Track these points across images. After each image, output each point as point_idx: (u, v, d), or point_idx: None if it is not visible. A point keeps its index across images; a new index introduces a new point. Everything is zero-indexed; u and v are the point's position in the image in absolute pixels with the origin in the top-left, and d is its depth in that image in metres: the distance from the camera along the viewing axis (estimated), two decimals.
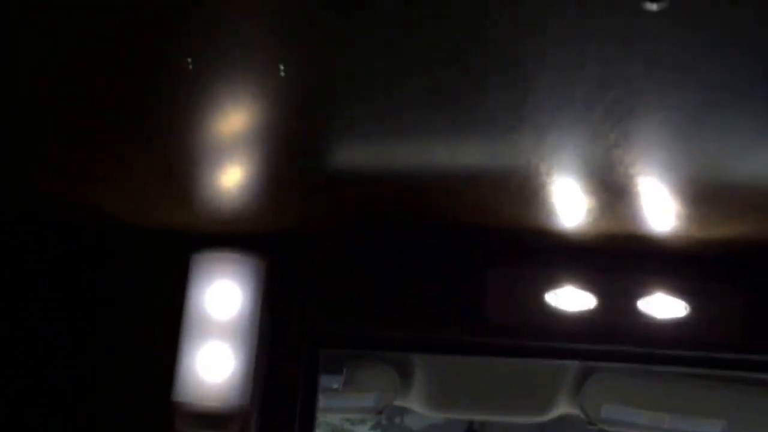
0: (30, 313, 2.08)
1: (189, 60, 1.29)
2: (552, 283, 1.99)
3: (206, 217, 1.94)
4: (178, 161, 1.65)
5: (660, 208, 1.71)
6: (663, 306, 1.95)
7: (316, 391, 2.06)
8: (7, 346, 2.03)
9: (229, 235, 1.98)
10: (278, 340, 2.01)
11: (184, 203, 1.87)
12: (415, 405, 2.92)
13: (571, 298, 1.98)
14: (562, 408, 2.83)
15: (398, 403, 2.85)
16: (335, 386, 2.26)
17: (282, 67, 1.31)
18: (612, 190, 1.63)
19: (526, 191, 1.66)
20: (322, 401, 2.25)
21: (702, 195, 1.63)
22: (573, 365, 2.56)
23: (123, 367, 2.03)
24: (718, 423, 2.61)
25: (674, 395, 2.56)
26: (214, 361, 1.91)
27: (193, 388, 1.90)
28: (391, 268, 2.06)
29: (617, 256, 1.96)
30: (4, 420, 1.75)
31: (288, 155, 1.64)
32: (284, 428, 1.98)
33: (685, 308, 1.95)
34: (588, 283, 1.97)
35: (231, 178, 1.75)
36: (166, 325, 1.99)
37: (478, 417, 2.99)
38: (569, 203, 1.73)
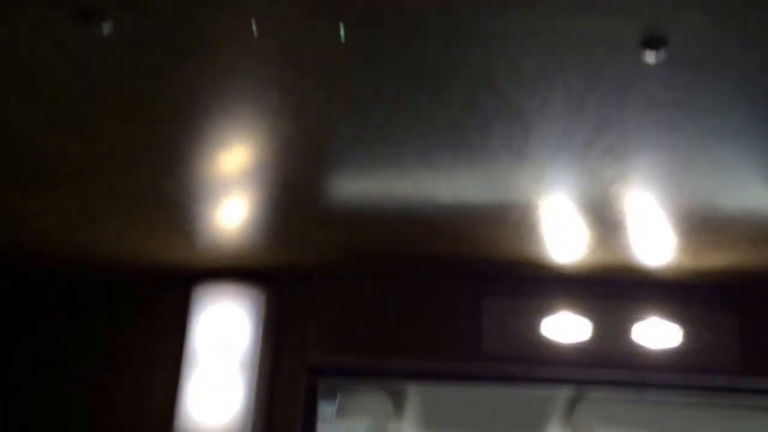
0: (29, 352, 2.10)
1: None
2: (547, 312, 2.02)
3: (207, 251, 1.96)
4: (179, 197, 1.68)
5: (653, 240, 1.75)
6: (657, 334, 1.98)
7: (315, 418, 2.09)
8: (5, 392, 2.05)
9: (229, 268, 2.01)
10: (278, 371, 2.03)
11: (184, 238, 1.89)
12: (408, 429, 2.93)
13: (566, 327, 2.01)
14: (554, 430, 2.85)
15: (392, 427, 2.86)
16: (329, 413, 2.27)
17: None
18: (607, 224, 1.67)
19: (524, 225, 1.70)
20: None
21: (694, 227, 1.67)
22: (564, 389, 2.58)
23: (126, 401, 2.04)
24: None
25: (664, 419, 2.57)
26: (215, 394, 1.93)
27: (196, 424, 1.91)
28: (390, 300, 2.09)
29: (612, 286, 2.00)
30: None
31: (288, 191, 1.66)
32: None
33: (679, 335, 1.98)
34: (583, 311, 2.01)
35: (231, 213, 1.77)
36: (168, 358, 2.01)
37: None
38: (566, 237, 1.77)
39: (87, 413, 2.05)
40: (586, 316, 2.01)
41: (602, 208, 1.60)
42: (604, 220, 1.65)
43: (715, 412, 2.52)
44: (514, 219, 1.67)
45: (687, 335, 1.99)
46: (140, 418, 2.03)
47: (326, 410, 2.29)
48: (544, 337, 2.02)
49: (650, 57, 1.15)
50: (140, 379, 2.07)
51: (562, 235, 1.77)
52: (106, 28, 1.14)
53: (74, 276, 2.10)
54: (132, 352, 2.09)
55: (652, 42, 1.14)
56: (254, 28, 1.15)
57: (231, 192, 1.67)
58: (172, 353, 2.01)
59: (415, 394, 2.68)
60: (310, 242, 1.90)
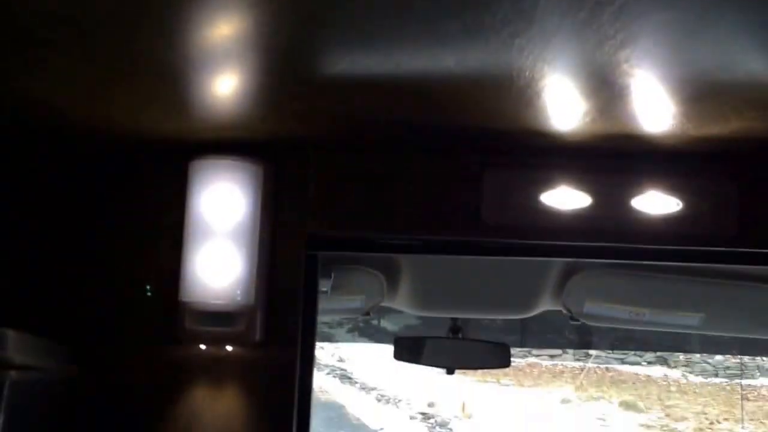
0: (29, 225, 2.10)
1: None
2: (548, 183, 2.02)
3: (203, 123, 1.93)
4: (174, 67, 1.63)
5: (657, 107, 1.72)
6: (657, 203, 1.99)
7: (316, 291, 2.12)
8: (6, 262, 2.05)
9: (226, 141, 1.99)
10: (278, 243, 2.05)
11: (180, 110, 1.86)
12: (401, 306, 2.98)
13: (566, 198, 2.01)
14: (545, 305, 2.90)
15: (385, 304, 2.91)
16: (324, 289, 2.30)
17: None
18: (612, 91, 1.64)
19: (528, 93, 1.66)
20: None
21: (699, 94, 1.64)
22: (557, 265, 2.62)
23: (130, 272, 2.07)
24: (696, 316, 2.70)
25: (654, 291, 2.62)
26: (217, 263, 1.95)
27: (199, 288, 1.94)
28: (390, 171, 2.09)
29: (613, 156, 1.99)
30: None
31: (287, 60, 1.62)
32: (289, 325, 2.04)
33: (678, 205, 1.99)
34: (583, 183, 2.01)
35: (228, 83, 1.73)
36: (169, 230, 2.02)
37: (462, 315, 3.05)
38: (569, 105, 1.75)
39: (89, 285, 2.08)
40: (586, 187, 2.01)
41: (607, 75, 1.56)
42: (609, 85, 1.61)
43: (706, 287, 2.58)
44: (518, 87, 1.63)
45: (686, 205, 2.00)
46: (143, 285, 2.06)
47: (321, 287, 2.33)
48: (544, 208, 2.02)
49: None
50: (141, 250, 2.08)
51: (566, 104, 1.74)
52: None
53: (70, 147, 2.07)
54: (132, 224, 2.09)
55: None
56: None
57: (229, 60, 1.62)
58: (171, 226, 2.01)
59: (408, 273, 2.72)
60: (309, 113, 1.87)
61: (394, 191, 2.07)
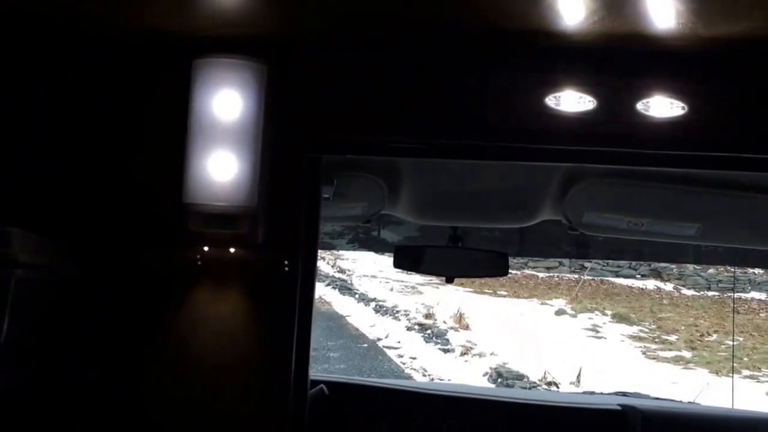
0: (32, 124, 2.07)
1: None
2: (552, 86, 1.98)
3: (208, 20, 1.89)
4: None
5: (665, 4, 1.67)
6: (661, 107, 1.96)
7: (319, 194, 2.11)
8: (11, 162, 2.03)
9: (230, 40, 1.95)
10: (280, 145, 2.03)
11: (183, 6, 1.82)
12: (402, 214, 2.98)
13: (571, 101, 1.98)
14: (545, 215, 2.91)
15: (385, 211, 2.91)
16: (326, 196, 2.30)
17: None
18: None
19: None
20: None
21: None
22: (557, 174, 2.61)
23: (131, 172, 2.06)
24: (694, 227, 2.71)
25: (653, 201, 2.62)
26: (219, 164, 1.94)
27: (202, 189, 1.94)
28: (393, 73, 2.05)
29: (619, 58, 1.95)
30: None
31: None
32: (290, 229, 2.04)
33: (683, 108, 1.96)
34: (588, 85, 1.97)
35: None
36: (171, 130, 2.00)
37: (462, 224, 3.05)
38: (576, 2, 1.70)
39: (91, 185, 2.07)
40: (591, 90, 1.98)
41: None
42: None
43: (705, 197, 2.57)
44: None
45: (691, 109, 1.96)
46: (146, 186, 2.06)
47: (323, 193, 2.32)
48: (549, 111, 1.99)
49: None
50: (144, 150, 2.07)
51: (574, 1, 1.69)
52: None
53: (74, 42, 2.03)
54: (135, 124, 2.08)
55: None
56: None
57: None
58: (174, 126, 1.99)
59: (410, 181, 2.71)
60: (311, 9, 1.82)
61: (399, 93, 2.04)
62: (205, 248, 2.01)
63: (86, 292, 2.02)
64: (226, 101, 1.95)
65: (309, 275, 2.06)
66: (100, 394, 2.02)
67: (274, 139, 2.02)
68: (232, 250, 2.01)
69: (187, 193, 1.95)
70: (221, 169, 1.94)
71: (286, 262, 2.02)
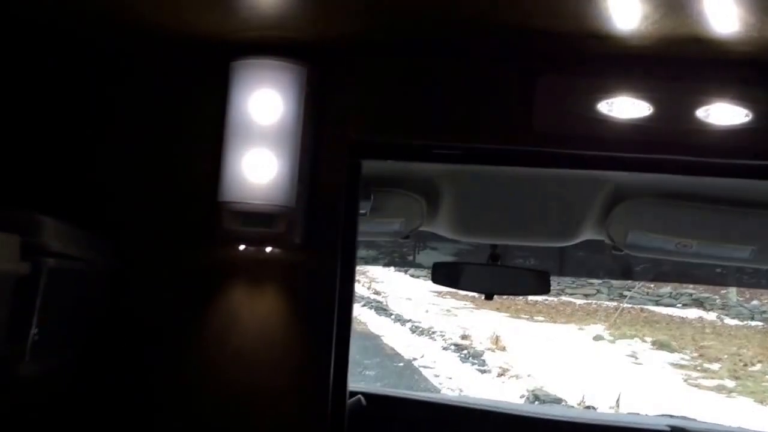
0: (72, 123, 2.06)
1: None
2: (605, 91, 1.90)
3: (247, 22, 1.85)
4: None
5: (729, 6, 1.57)
6: (723, 115, 1.87)
7: (357, 198, 2.06)
8: (49, 156, 2.02)
9: (270, 42, 1.91)
10: (320, 147, 1.99)
11: (223, 7, 1.78)
12: (441, 230, 2.94)
13: (625, 107, 1.90)
14: (587, 234, 2.84)
15: (424, 228, 2.87)
16: (363, 211, 2.25)
17: None
18: None
19: None
20: None
21: None
22: (601, 191, 2.53)
23: (168, 171, 2.04)
24: (747, 248, 2.61)
25: (702, 222, 2.54)
26: (257, 164, 1.90)
27: (238, 188, 1.90)
28: (437, 76, 1.99)
29: (676, 63, 1.86)
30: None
31: None
32: (329, 231, 1.99)
33: (747, 116, 1.87)
34: (644, 91, 1.89)
35: None
36: (209, 131, 1.97)
37: (502, 242, 3.00)
38: (630, 4, 1.62)
39: (130, 182, 2.05)
40: (646, 95, 1.89)
41: None
42: None
43: (757, 219, 2.49)
44: None
45: (756, 116, 1.86)
46: (183, 185, 2.03)
47: (360, 208, 2.29)
48: (601, 117, 1.91)
49: None
50: (181, 150, 2.04)
51: (629, 1, 1.60)
52: None
53: (113, 41, 2.02)
54: (173, 123, 2.05)
55: None
56: None
57: None
58: (212, 126, 1.96)
59: (448, 197, 2.67)
60: (353, 10, 1.78)
61: (442, 97, 1.98)
62: (242, 247, 1.96)
63: (123, 287, 2.00)
64: (265, 102, 1.91)
65: (348, 278, 2.02)
66: (135, 390, 1.99)
67: (314, 141, 1.97)
68: (268, 249, 1.97)
69: (224, 192, 1.91)
70: (259, 169, 1.90)
71: (324, 263, 1.97)
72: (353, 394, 2.66)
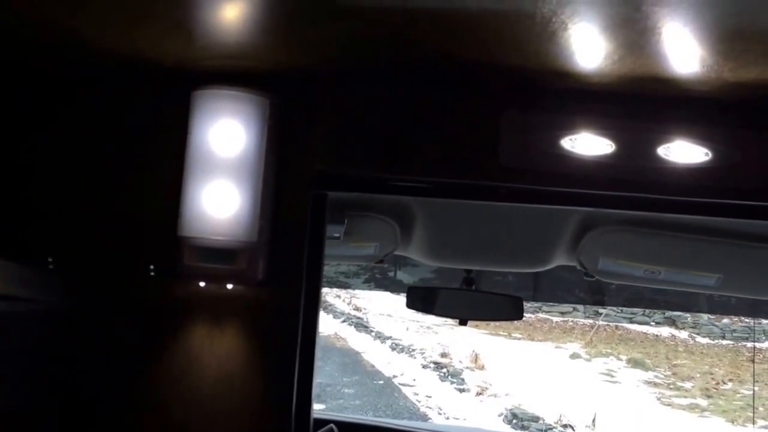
0: (27, 150, 2.03)
1: None
2: (569, 128, 1.91)
3: (209, 51, 1.83)
4: None
5: (691, 46, 1.58)
6: (683, 153, 1.88)
7: (323, 231, 2.04)
8: (6, 183, 1.98)
9: (232, 71, 1.89)
10: (283, 180, 1.97)
11: (185, 37, 1.76)
12: (415, 255, 2.93)
13: (587, 144, 1.90)
14: (559, 260, 2.85)
15: (399, 252, 2.87)
16: (336, 235, 2.24)
17: None
18: (641, 26, 1.51)
19: (551, 27, 1.54)
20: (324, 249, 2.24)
21: (739, 30, 1.49)
22: (573, 219, 2.55)
23: (127, 204, 2.00)
24: (713, 276, 2.63)
25: (671, 250, 2.55)
26: (219, 198, 1.88)
27: (198, 223, 1.87)
28: (401, 109, 1.99)
29: (638, 101, 1.87)
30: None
31: None
32: (292, 266, 1.96)
33: (707, 155, 1.88)
34: (606, 128, 1.89)
35: (234, 9, 1.62)
36: (170, 162, 1.94)
37: (475, 267, 3.00)
38: (594, 42, 1.62)
39: (86, 215, 2.01)
40: (609, 133, 1.90)
41: (637, 5, 1.43)
42: (638, 20, 1.48)
43: (725, 247, 2.50)
44: (541, 17, 1.50)
45: (715, 156, 1.88)
46: (142, 217, 1.99)
47: (334, 232, 2.27)
48: (564, 154, 1.92)
49: None
50: (141, 181, 2.01)
51: (591, 40, 1.61)
52: None
53: (71, 69, 1.99)
54: (132, 154, 2.02)
55: None
56: None
57: None
58: (173, 158, 1.93)
59: (422, 222, 2.67)
60: (319, 42, 1.76)
61: (407, 130, 1.97)
62: (202, 283, 1.93)
63: (75, 326, 1.95)
64: (226, 134, 1.89)
65: (311, 314, 1.98)
66: None
67: (277, 173, 1.95)
68: (230, 286, 1.94)
69: (184, 227, 1.88)
70: (220, 203, 1.87)
71: (286, 300, 1.94)
72: (325, 422, 2.63)
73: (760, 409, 13.75)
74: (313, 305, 1.99)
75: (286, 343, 1.94)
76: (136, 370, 1.95)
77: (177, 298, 1.95)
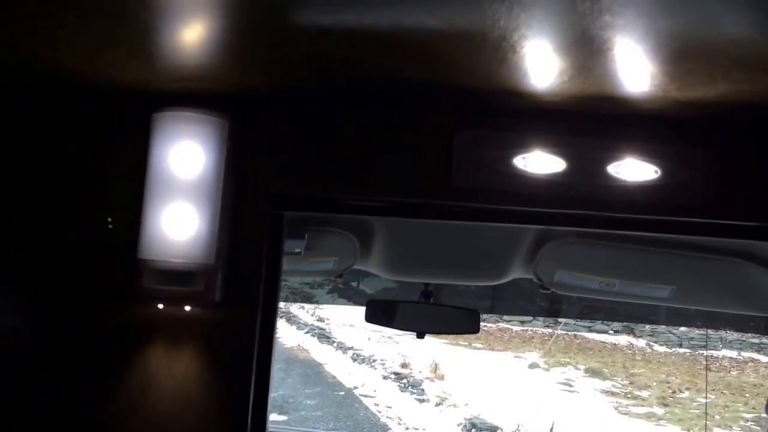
0: None
1: None
2: (521, 146, 1.93)
3: (168, 73, 1.84)
4: (138, 13, 1.53)
5: (640, 66, 1.62)
6: (633, 171, 1.91)
7: (281, 251, 2.04)
8: None
9: (192, 93, 1.90)
10: (242, 202, 1.97)
11: (144, 59, 1.76)
12: (374, 269, 2.96)
13: (539, 162, 1.93)
14: (516, 273, 2.89)
15: (358, 266, 2.88)
16: (297, 250, 2.25)
17: None
18: (591, 47, 1.54)
19: (503, 48, 1.57)
20: (285, 264, 2.25)
21: (685, 51, 1.53)
22: (528, 233, 2.58)
23: (86, 226, 1.99)
24: (666, 288, 2.68)
25: (625, 262, 2.60)
26: (177, 220, 1.88)
27: (157, 245, 1.87)
28: (357, 130, 2.00)
29: (590, 119, 1.90)
30: None
31: (253, 8, 1.52)
32: (250, 287, 1.96)
33: (656, 172, 1.91)
34: (558, 146, 1.92)
35: (193, 32, 1.63)
36: (130, 184, 1.94)
37: (434, 281, 3.03)
38: (545, 62, 1.65)
39: (43, 237, 2.00)
40: (560, 151, 1.93)
41: (586, 28, 1.45)
42: (588, 42, 1.51)
43: (677, 260, 2.55)
44: (492, 40, 1.53)
45: (664, 173, 1.91)
46: (101, 239, 1.98)
47: (295, 247, 2.28)
48: (517, 172, 1.94)
49: None
50: (100, 203, 2.00)
51: (543, 60, 1.64)
52: None
53: (30, 91, 1.98)
54: (91, 175, 2.01)
55: None
56: None
57: (193, 10, 1.53)
58: (132, 179, 1.93)
59: (381, 237, 2.69)
60: (278, 65, 1.78)
61: (363, 151, 1.99)
62: (160, 306, 1.92)
63: (34, 348, 1.93)
64: (186, 156, 1.89)
65: (268, 334, 1.98)
66: None
67: (235, 195, 1.96)
68: (187, 308, 1.93)
69: (143, 249, 1.88)
70: (179, 225, 1.88)
71: (243, 320, 1.94)
72: None
73: (716, 417, 13.96)
74: (269, 325, 1.99)
75: (242, 362, 1.94)
76: (95, 391, 1.94)
77: (135, 319, 1.94)
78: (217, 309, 1.93)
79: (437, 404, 13.97)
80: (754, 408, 13.87)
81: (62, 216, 2.00)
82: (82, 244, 1.98)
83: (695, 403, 14.71)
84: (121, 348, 1.94)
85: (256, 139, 1.98)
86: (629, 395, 15.36)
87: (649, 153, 1.91)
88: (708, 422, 13.29)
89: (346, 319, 20.28)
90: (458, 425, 12.70)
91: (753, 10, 1.35)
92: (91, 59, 1.78)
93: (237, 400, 1.93)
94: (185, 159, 1.89)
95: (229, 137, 1.92)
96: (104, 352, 1.95)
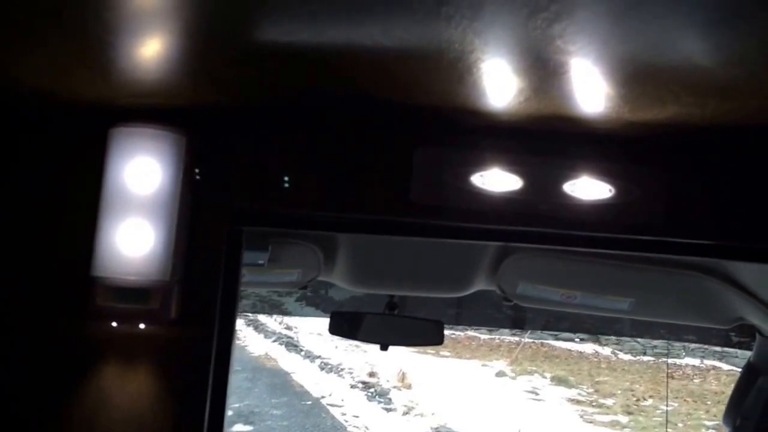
0: None
1: None
2: (479, 164, 1.95)
3: (124, 89, 1.82)
4: (94, 29, 1.51)
5: (593, 88, 1.66)
6: (589, 189, 1.95)
7: (239, 268, 2.03)
8: None
9: (148, 109, 1.88)
10: (199, 217, 1.96)
11: (100, 75, 1.74)
12: (338, 281, 2.95)
13: (497, 180, 1.95)
14: (480, 285, 2.91)
15: (322, 278, 2.88)
16: (260, 262, 2.25)
17: None
18: (546, 69, 1.57)
19: (459, 68, 1.59)
20: (248, 276, 2.25)
21: (637, 74, 1.57)
22: (491, 246, 2.60)
23: (39, 243, 1.96)
24: (626, 301, 2.72)
25: (586, 275, 2.64)
26: (133, 237, 1.86)
27: (112, 262, 1.85)
28: (315, 146, 2.01)
29: (547, 139, 1.93)
30: None
31: (210, 26, 1.51)
32: (206, 304, 1.95)
33: (610, 191, 1.95)
34: (515, 165, 1.95)
35: (150, 48, 1.62)
36: (83, 200, 1.91)
37: (397, 293, 3.04)
38: (501, 82, 1.67)
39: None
40: (518, 169, 1.96)
41: (541, 50, 1.48)
42: (543, 64, 1.54)
43: (636, 273, 2.60)
44: (448, 60, 1.55)
45: (618, 192, 1.95)
46: (55, 263, 1.95)
47: (258, 259, 2.27)
48: (475, 190, 1.96)
49: None
50: (53, 219, 1.97)
51: (499, 81, 1.66)
52: None
53: None
54: (44, 192, 1.98)
55: None
56: None
57: (150, 26, 1.52)
58: (86, 196, 1.91)
59: (345, 249, 2.69)
60: (234, 81, 1.77)
61: (321, 167, 1.99)
62: (114, 324, 1.90)
63: None
64: (142, 172, 1.87)
65: (224, 351, 1.97)
66: None
67: (193, 211, 1.94)
68: (142, 326, 1.91)
69: (96, 266, 1.85)
70: (134, 241, 1.86)
71: (199, 338, 1.93)
72: None
73: (679, 425, 14.13)
74: (226, 343, 1.97)
75: (198, 381, 1.92)
76: (46, 411, 1.90)
77: (89, 338, 1.91)
78: (172, 327, 1.91)
79: (404, 413, 13.98)
80: (715, 416, 14.06)
81: (15, 232, 1.96)
82: (35, 261, 1.95)
83: (658, 411, 14.89)
84: (74, 367, 1.91)
85: (213, 155, 1.97)
86: (594, 403, 15.49)
87: (603, 172, 1.95)
88: (670, 430, 13.45)
89: (315, 327, 20.24)
90: None
91: (701, 38, 1.39)
92: (46, 75, 1.76)
93: (192, 420, 1.91)
94: (141, 175, 1.87)
95: (186, 153, 1.91)
96: (57, 371, 1.91)
